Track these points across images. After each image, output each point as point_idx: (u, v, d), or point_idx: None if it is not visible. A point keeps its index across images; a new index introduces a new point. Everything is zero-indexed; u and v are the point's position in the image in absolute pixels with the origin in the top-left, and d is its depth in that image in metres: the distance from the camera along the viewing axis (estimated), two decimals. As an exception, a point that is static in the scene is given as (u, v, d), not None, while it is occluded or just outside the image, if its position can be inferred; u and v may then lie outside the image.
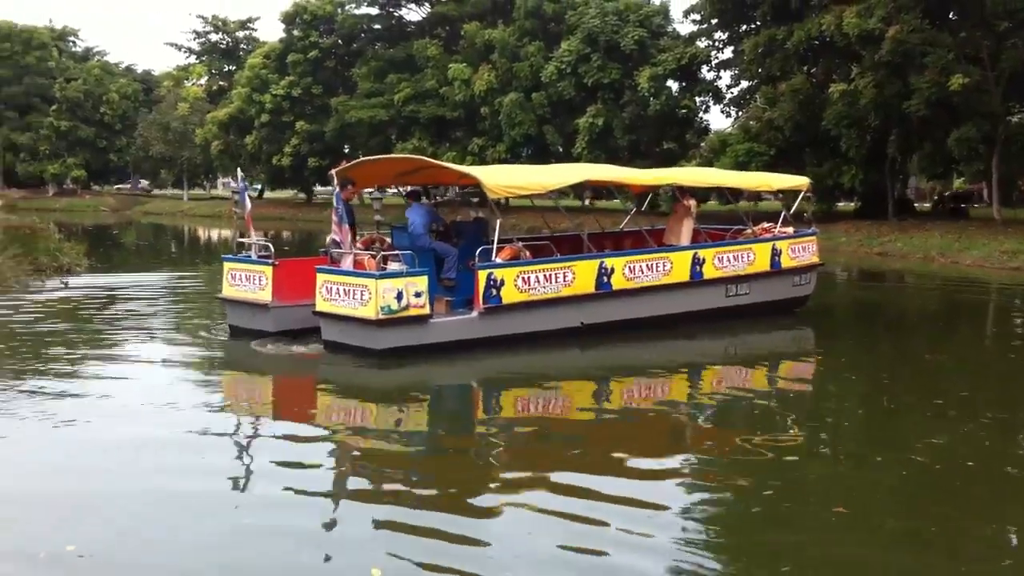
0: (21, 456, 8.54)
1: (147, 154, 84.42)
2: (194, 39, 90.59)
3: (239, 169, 16.76)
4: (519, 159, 54.05)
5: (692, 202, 16.91)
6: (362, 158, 15.85)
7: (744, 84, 47.59)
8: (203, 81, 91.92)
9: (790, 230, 17.44)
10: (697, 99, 51.42)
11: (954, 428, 9.75)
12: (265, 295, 14.14)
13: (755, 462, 8.55)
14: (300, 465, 8.47)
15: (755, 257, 16.41)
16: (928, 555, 6.48)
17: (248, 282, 14.43)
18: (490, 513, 7.20)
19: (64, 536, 6.48)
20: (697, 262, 15.55)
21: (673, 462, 8.57)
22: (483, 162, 51.51)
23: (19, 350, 13.67)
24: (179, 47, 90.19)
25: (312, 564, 6.19)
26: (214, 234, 45.57)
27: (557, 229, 18.41)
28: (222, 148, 73.23)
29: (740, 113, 48.81)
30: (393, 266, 13.01)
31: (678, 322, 15.18)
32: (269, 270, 14.15)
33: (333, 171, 13.96)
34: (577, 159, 48.58)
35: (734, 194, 24.26)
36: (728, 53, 47.67)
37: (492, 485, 7.89)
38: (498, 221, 13.85)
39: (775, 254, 16.69)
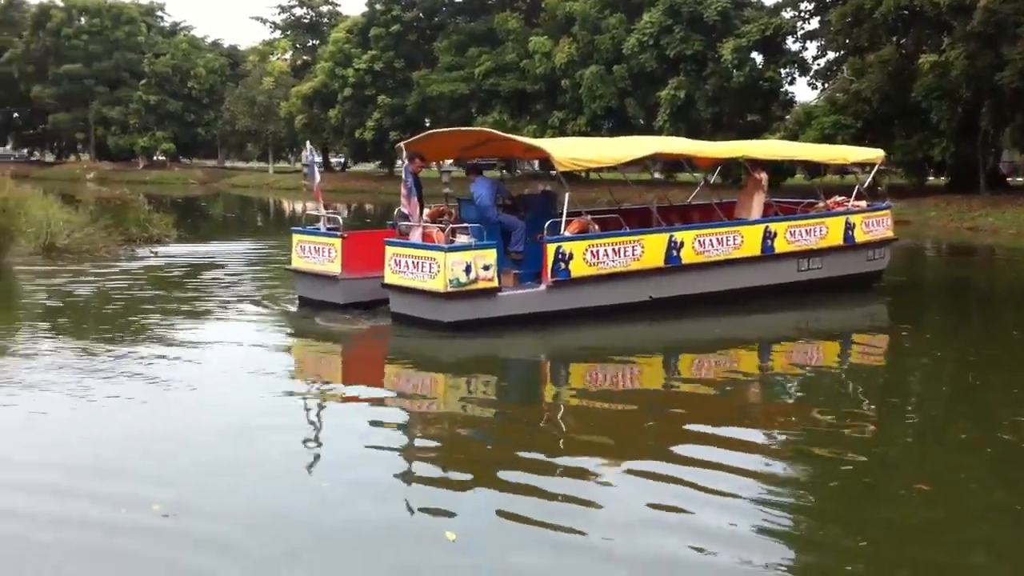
0: (98, 422, 8.77)
1: (233, 128, 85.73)
2: (279, 14, 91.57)
3: (308, 142, 16.85)
4: (599, 132, 53.68)
5: (763, 175, 16.62)
6: (428, 132, 15.79)
7: (831, 55, 46.68)
8: (288, 56, 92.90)
9: (863, 204, 17.06)
10: (782, 71, 50.60)
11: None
12: (334, 267, 14.19)
13: (834, 436, 8.42)
14: (373, 429, 8.59)
15: (828, 231, 16.08)
16: (1015, 532, 6.34)
17: (317, 254, 14.49)
18: (566, 473, 7.20)
19: (153, 494, 6.65)
20: (768, 236, 15.27)
21: (749, 434, 8.44)
22: (563, 135, 51.32)
23: (109, 317, 14.08)
24: (264, 21, 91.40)
25: (391, 520, 6.31)
26: (297, 206, 46.22)
27: (625, 202, 18.25)
28: (306, 122, 74.02)
29: (826, 85, 47.87)
30: (462, 239, 12.90)
31: (748, 297, 14.92)
32: (338, 242, 14.18)
33: (401, 144, 13.96)
34: (658, 132, 48.16)
35: (814, 168, 23.83)
36: (814, 23, 46.81)
37: (564, 450, 7.88)
38: (567, 194, 13.66)
39: (848, 228, 16.34)
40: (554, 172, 14.19)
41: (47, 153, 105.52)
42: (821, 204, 17.10)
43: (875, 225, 16.88)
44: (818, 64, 48.51)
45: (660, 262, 14.07)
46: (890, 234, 17.34)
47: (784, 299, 15.26)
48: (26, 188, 22.78)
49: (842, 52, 44.50)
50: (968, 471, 7.58)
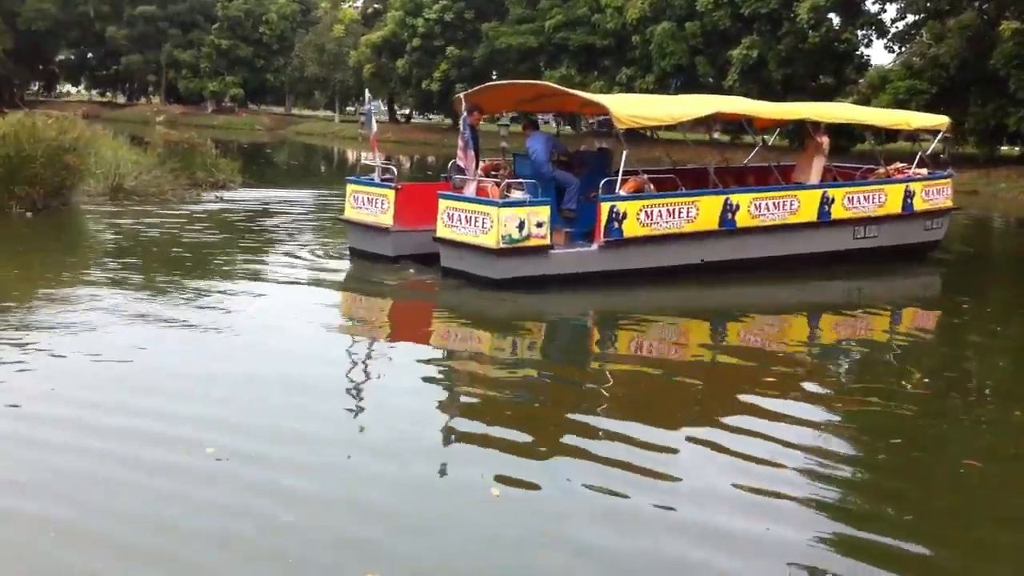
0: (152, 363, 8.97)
1: (302, 75, 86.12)
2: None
3: (367, 90, 16.77)
4: (668, 91, 53.03)
5: (825, 139, 16.28)
6: (486, 84, 15.63)
7: (910, 18, 45.50)
8: (359, 3, 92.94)
9: (924, 171, 16.69)
10: (859, 32, 49.46)
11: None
12: (386, 219, 14.08)
13: (885, 409, 8.35)
14: (420, 383, 8.69)
15: (886, 198, 15.75)
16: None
17: (370, 205, 14.39)
18: (610, 437, 7.19)
19: (204, 437, 6.82)
20: (826, 202, 14.99)
21: (797, 406, 8.33)
22: (631, 92, 50.81)
23: (170, 262, 14.40)
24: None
25: (427, 476, 6.39)
26: (362, 155, 46.46)
27: (679, 162, 18.02)
28: (374, 71, 74.10)
29: (904, 49, 46.76)
30: (516, 194, 12.73)
31: (801, 264, 14.68)
32: (391, 193, 14.05)
33: (461, 95, 13.73)
34: (728, 92, 47.43)
35: (884, 133, 23.32)
36: (895, -16, 45.64)
37: (610, 413, 7.88)
38: (624, 152, 13.36)
39: (908, 196, 15.97)
40: (614, 130, 14.01)
41: (119, 95, 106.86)
42: (881, 170, 16.74)
43: (935, 194, 16.51)
44: (896, 27, 47.35)
45: (714, 225, 13.87)
46: (950, 203, 16.96)
47: (838, 267, 15.03)
48: (96, 128, 23.13)
49: (922, 15, 43.39)
50: (1019, 449, 7.47)
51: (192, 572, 5.07)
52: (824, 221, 15.02)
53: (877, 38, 49.47)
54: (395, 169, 14.96)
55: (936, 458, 7.24)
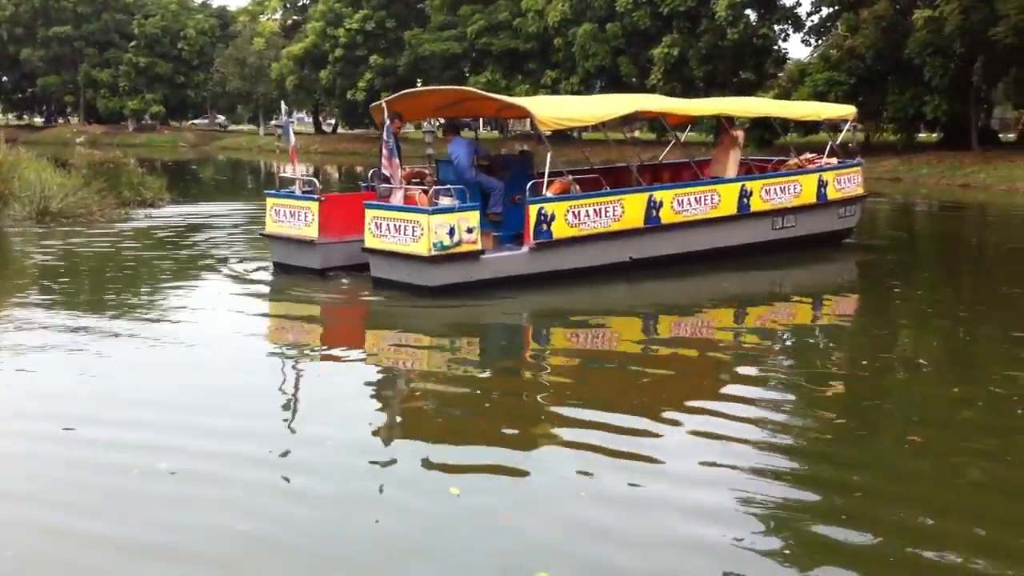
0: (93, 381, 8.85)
1: (224, 89, 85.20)
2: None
3: (283, 102, 16.58)
4: (593, 91, 53.45)
5: (739, 133, 16.60)
6: (404, 91, 15.50)
7: (825, 11, 46.49)
8: (278, 16, 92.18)
9: (834, 161, 17.05)
10: (776, 27, 50.37)
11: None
12: (311, 231, 13.81)
13: (828, 393, 8.56)
14: (362, 389, 8.70)
15: (802, 189, 16.06)
16: (1006, 478, 6.44)
17: (293, 218, 14.09)
18: (534, 444, 7.30)
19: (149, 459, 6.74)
20: (745, 194, 15.21)
21: (743, 391, 8.48)
22: (556, 95, 51.10)
23: (98, 282, 14.21)
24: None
25: (393, 477, 6.38)
26: (289, 168, 46.23)
27: (607, 161, 18.16)
28: (297, 83, 73.65)
29: (820, 41, 47.70)
30: (444, 201, 12.57)
31: (724, 256, 14.87)
32: (315, 206, 13.76)
33: (381, 103, 13.51)
34: (652, 90, 47.97)
35: (809, 125, 23.82)
36: (808, -22, 46.59)
37: (557, 410, 7.94)
38: (548, 154, 13.32)
39: (821, 185, 16.31)
40: (536, 131, 13.99)
41: (36, 117, 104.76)
42: (792, 161, 17.09)
43: (847, 182, 16.87)
44: (812, 20, 48.40)
45: (640, 222, 13.98)
46: (861, 191, 17.35)
47: (761, 258, 15.24)
48: (19, 151, 22.67)
49: (836, 7, 44.36)
50: (960, 423, 7.69)
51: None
52: (744, 213, 15.23)
53: (794, 32, 50.56)
54: (316, 181, 14.71)
55: (878, 435, 7.41)
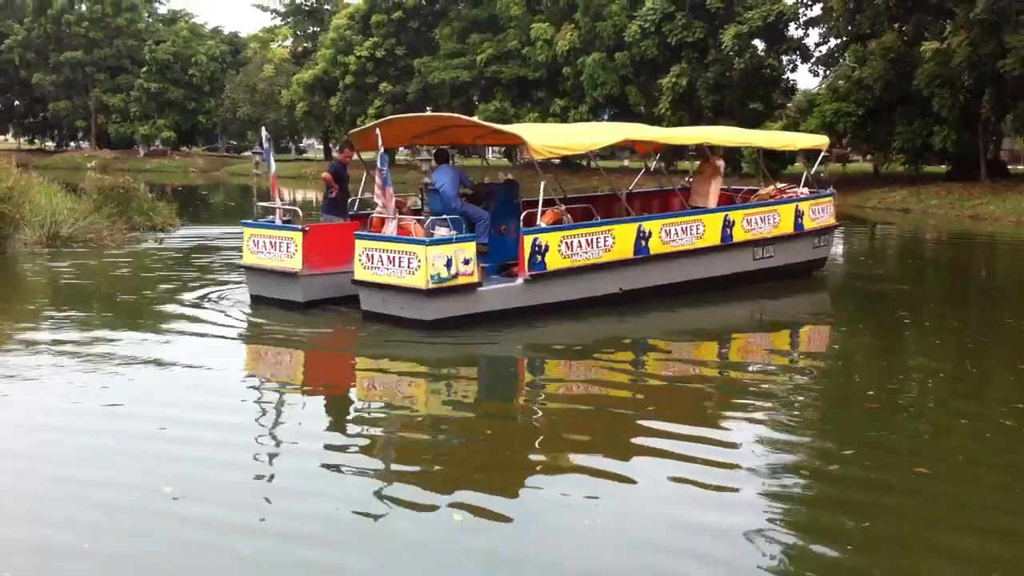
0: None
1: (234, 116, 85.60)
2: (280, 0, 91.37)
3: (263, 128, 16.07)
4: (601, 120, 53.63)
5: (721, 162, 16.65)
6: (383, 119, 14.93)
7: (833, 42, 46.62)
8: (289, 43, 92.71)
9: (806, 191, 17.02)
10: (784, 58, 50.52)
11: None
12: (294, 263, 13.28)
13: (833, 422, 8.57)
14: (354, 427, 8.73)
15: (780, 219, 16.03)
16: (1016, 511, 6.43)
17: (274, 249, 13.58)
18: (552, 471, 7.30)
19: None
20: (727, 224, 15.11)
21: (744, 425, 8.51)
22: (565, 123, 51.27)
23: (78, 310, 14.21)
24: (265, 8, 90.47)
25: (382, 508, 6.37)
26: (298, 195, 46.14)
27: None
28: (307, 109, 73.99)
29: (828, 72, 47.83)
30: (441, 232, 12.10)
31: (707, 287, 14.72)
32: (299, 236, 13.26)
33: (357, 131, 12.94)
34: (659, 120, 48.16)
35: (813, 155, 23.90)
36: (816, 10, 46.86)
37: (551, 448, 7.99)
38: (542, 183, 13.08)
39: (798, 216, 16.31)
40: (522, 160, 13.86)
41: (48, 141, 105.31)
42: (763, 191, 17.09)
43: (820, 212, 16.90)
44: (820, 51, 48.50)
45: (630, 253, 13.77)
46: (833, 221, 17.38)
47: (741, 288, 15.18)
48: (31, 176, 22.80)
49: (844, 39, 44.44)
50: (967, 455, 7.66)
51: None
52: (727, 244, 15.15)
53: (802, 63, 50.61)
54: (299, 210, 14.31)
55: (886, 467, 7.37)
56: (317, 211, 17.96)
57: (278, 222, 13.79)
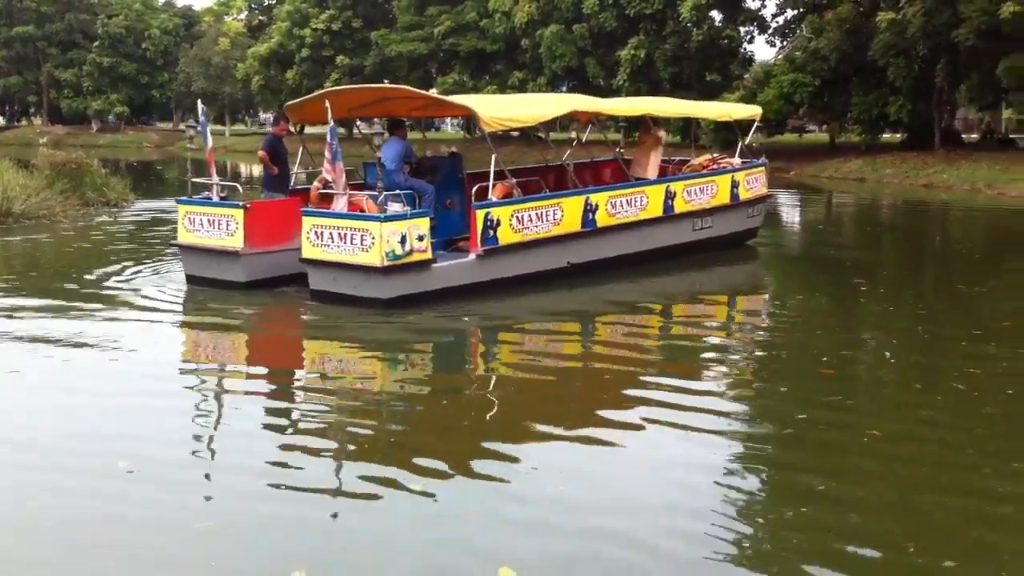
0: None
1: (189, 90, 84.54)
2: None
3: (200, 102, 15.36)
4: (560, 92, 53.52)
5: (662, 133, 16.67)
6: (319, 92, 14.35)
7: (789, 13, 46.80)
8: (243, 16, 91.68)
9: (738, 161, 17.03)
10: (741, 29, 50.62)
11: (992, 358, 9.71)
12: (235, 241, 12.70)
13: (790, 387, 8.66)
14: (315, 408, 8.60)
15: (717, 190, 16.06)
16: (962, 463, 6.53)
17: (213, 227, 12.95)
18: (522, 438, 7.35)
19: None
20: (669, 196, 15.08)
21: (699, 393, 8.58)
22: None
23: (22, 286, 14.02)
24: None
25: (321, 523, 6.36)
26: (255, 169, 45.78)
27: (531, 162, 17.99)
28: (263, 83, 73.28)
29: (785, 43, 48.05)
30: (394, 207, 11.74)
31: (650, 259, 14.65)
32: (240, 213, 12.64)
33: (294, 103, 12.42)
34: (618, 92, 48.14)
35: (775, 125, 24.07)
36: (773, -19, 46.90)
37: (513, 422, 8.02)
38: (494, 156, 12.80)
39: (734, 186, 16.33)
40: (480, 132, 13.41)
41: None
42: (695, 162, 17.04)
43: (754, 182, 16.93)
44: (777, 22, 48.71)
45: (577, 226, 13.61)
46: (766, 191, 17.46)
47: (681, 259, 15.20)
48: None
49: (800, 10, 44.64)
50: (919, 418, 7.77)
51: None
52: (668, 215, 15.12)
53: (759, 34, 50.80)
54: (238, 186, 13.85)
55: (841, 432, 7.45)
56: (257, 187, 17.55)
57: (215, 199, 13.24)
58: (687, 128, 21.71)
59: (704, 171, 16.37)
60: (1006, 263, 17.52)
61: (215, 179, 13.32)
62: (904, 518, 5.85)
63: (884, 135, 45.23)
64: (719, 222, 16.13)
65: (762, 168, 17.37)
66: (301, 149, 14.59)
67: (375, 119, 13.70)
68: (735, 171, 16.48)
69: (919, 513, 5.95)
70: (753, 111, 18.45)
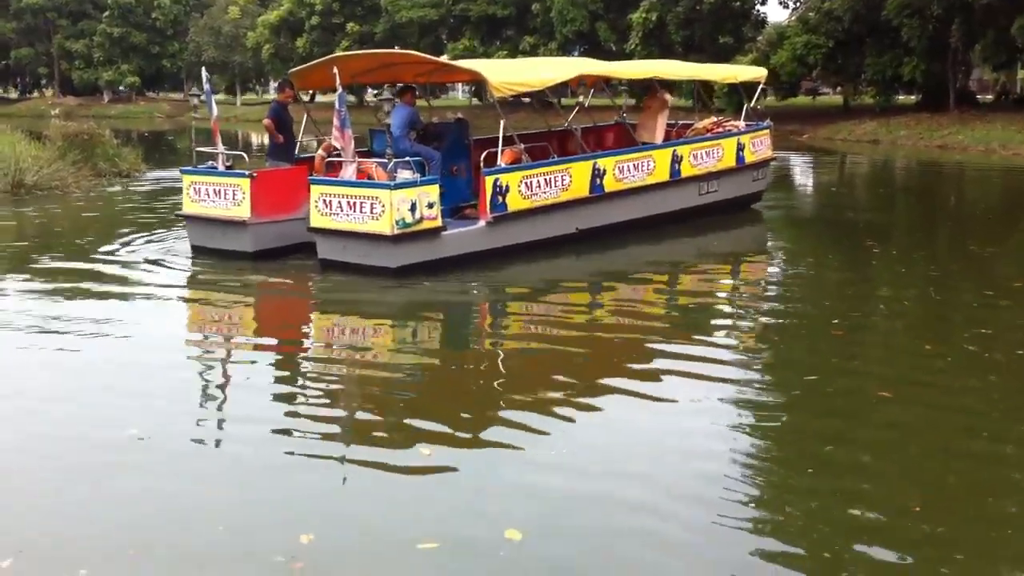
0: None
1: (199, 59, 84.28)
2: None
3: (204, 69, 15.24)
4: (571, 57, 53.20)
5: (668, 96, 16.53)
6: (323, 58, 14.00)
7: (802, -26, 46.36)
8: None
9: (742, 124, 16.89)
10: (754, -10, 50.14)
11: (1005, 319, 9.68)
12: (242, 211, 12.62)
13: (801, 349, 8.65)
14: (324, 377, 8.62)
15: (723, 153, 15.95)
16: (973, 425, 6.52)
17: (219, 197, 12.88)
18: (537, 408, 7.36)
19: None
20: (676, 160, 14.97)
21: (710, 355, 8.55)
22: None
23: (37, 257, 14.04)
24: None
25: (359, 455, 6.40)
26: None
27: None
28: (273, 52, 72.97)
29: (798, 4, 47.58)
30: (404, 174, 11.56)
31: (657, 224, 14.59)
32: (246, 183, 12.56)
33: (298, 70, 12.32)
34: (630, 56, 47.76)
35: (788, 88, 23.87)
36: (786, -59, 46.39)
37: (532, 389, 8.04)
38: (503, 122, 12.59)
39: (739, 149, 16.21)
40: (491, 98, 13.22)
41: (11, 89, 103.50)
42: (699, 125, 16.89)
43: (759, 145, 16.82)
44: (790, -17, 48.22)
45: (586, 191, 13.55)
46: (770, 154, 17.34)
47: (701, 222, 15.17)
48: (-7, 124, 22.48)
49: (814, -30, 44.18)
50: (930, 380, 7.75)
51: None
52: (675, 180, 15.03)
53: (772, -5, 50.29)
54: (244, 155, 13.63)
55: (850, 393, 7.44)
56: (262, 156, 17.47)
57: (221, 168, 13.11)
58: (697, 91, 21.48)
59: (708, 134, 16.27)
60: (1019, 224, 17.44)
61: (220, 148, 13.18)
62: (915, 482, 5.85)
63: (899, 97, 44.87)
64: (725, 186, 16.05)
65: (767, 131, 17.23)
66: (305, 117, 14.49)
67: (384, 85, 13.55)
68: (740, 134, 16.37)
69: (930, 476, 5.95)
70: (758, 72, 18.26)
